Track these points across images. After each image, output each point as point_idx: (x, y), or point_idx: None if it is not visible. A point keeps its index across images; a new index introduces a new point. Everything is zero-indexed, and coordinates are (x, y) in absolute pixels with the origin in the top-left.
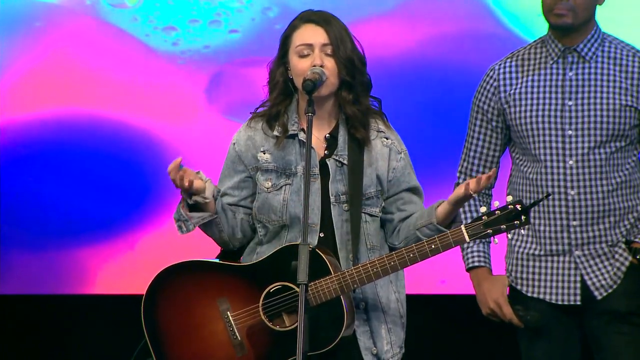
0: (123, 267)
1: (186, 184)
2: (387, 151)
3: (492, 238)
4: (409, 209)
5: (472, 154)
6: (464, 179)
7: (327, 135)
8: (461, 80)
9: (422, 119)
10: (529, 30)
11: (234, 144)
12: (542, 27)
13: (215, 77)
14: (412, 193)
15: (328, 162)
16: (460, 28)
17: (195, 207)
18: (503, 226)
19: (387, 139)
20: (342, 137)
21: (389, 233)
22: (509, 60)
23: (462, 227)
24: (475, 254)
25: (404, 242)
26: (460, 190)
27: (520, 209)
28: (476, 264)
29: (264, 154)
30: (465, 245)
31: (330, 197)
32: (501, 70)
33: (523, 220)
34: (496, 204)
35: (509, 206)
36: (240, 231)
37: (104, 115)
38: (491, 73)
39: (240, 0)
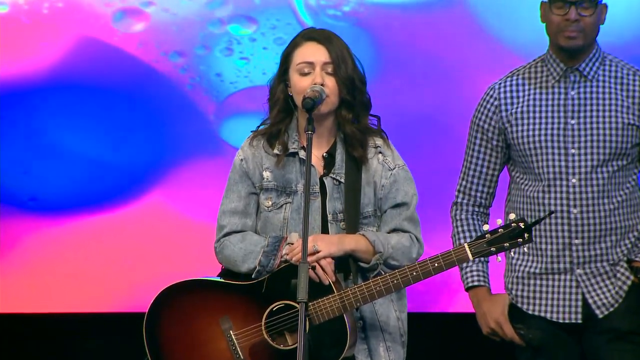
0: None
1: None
2: (380, 169)
3: (495, 256)
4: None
5: (471, 172)
6: (463, 198)
7: (325, 154)
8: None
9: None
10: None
11: (242, 160)
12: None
13: (223, 103)
14: (394, 209)
15: (325, 181)
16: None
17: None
18: (506, 244)
19: (382, 154)
20: (340, 156)
21: None
22: (509, 79)
23: (466, 245)
24: (475, 273)
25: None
26: None
27: (523, 226)
28: (475, 283)
29: (266, 172)
30: (464, 265)
31: (328, 215)
32: (502, 90)
33: (526, 238)
34: (499, 222)
35: (512, 224)
36: None
37: (110, 138)
38: (491, 92)
39: (252, 28)
